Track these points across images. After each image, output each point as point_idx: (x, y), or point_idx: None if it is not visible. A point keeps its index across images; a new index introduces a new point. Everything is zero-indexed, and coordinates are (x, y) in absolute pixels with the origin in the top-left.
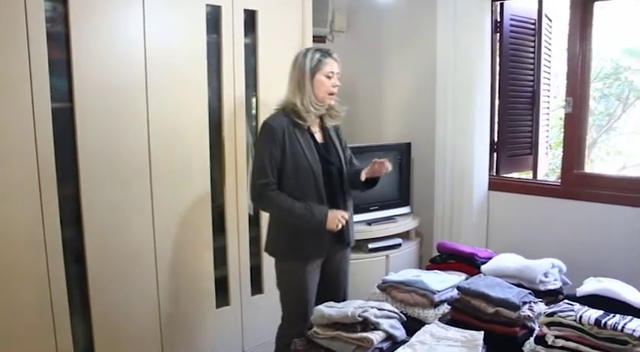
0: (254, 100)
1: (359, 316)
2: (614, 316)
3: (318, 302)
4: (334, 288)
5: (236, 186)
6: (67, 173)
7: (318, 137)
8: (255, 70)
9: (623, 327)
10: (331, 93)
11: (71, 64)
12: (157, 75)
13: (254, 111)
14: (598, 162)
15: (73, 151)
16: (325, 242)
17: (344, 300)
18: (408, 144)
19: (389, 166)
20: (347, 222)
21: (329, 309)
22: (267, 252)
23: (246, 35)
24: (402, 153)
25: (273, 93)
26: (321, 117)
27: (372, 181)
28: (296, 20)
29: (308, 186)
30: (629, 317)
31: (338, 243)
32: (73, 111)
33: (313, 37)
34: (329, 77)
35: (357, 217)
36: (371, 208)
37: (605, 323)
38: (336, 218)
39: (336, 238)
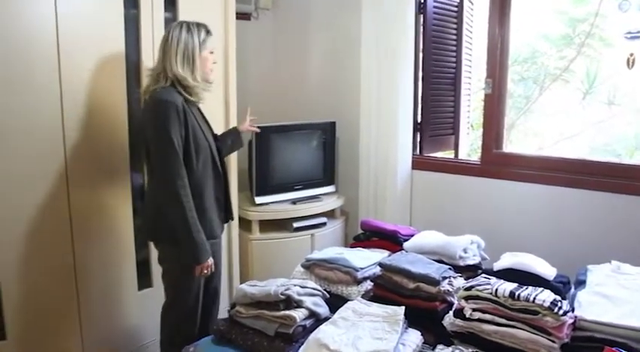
0: None
1: (282, 294)
2: (526, 288)
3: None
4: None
5: None
6: None
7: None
8: None
9: (534, 298)
10: (211, 70)
11: None
12: (71, 50)
13: None
14: (517, 143)
15: None
16: (220, 218)
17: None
18: (333, 124)
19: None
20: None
21: (251, 288)
22: (152, 239)
23: (166, 9)
24: (327, 132)
25: None
26: None
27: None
28: None
29: (207, 165)
30: (540, 289)
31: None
32: None
33: (237, 13)
34: (211, 53)
35: (281, 196)
36: (295, 187)
37: (519, 295)
38: (205, 269)
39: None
